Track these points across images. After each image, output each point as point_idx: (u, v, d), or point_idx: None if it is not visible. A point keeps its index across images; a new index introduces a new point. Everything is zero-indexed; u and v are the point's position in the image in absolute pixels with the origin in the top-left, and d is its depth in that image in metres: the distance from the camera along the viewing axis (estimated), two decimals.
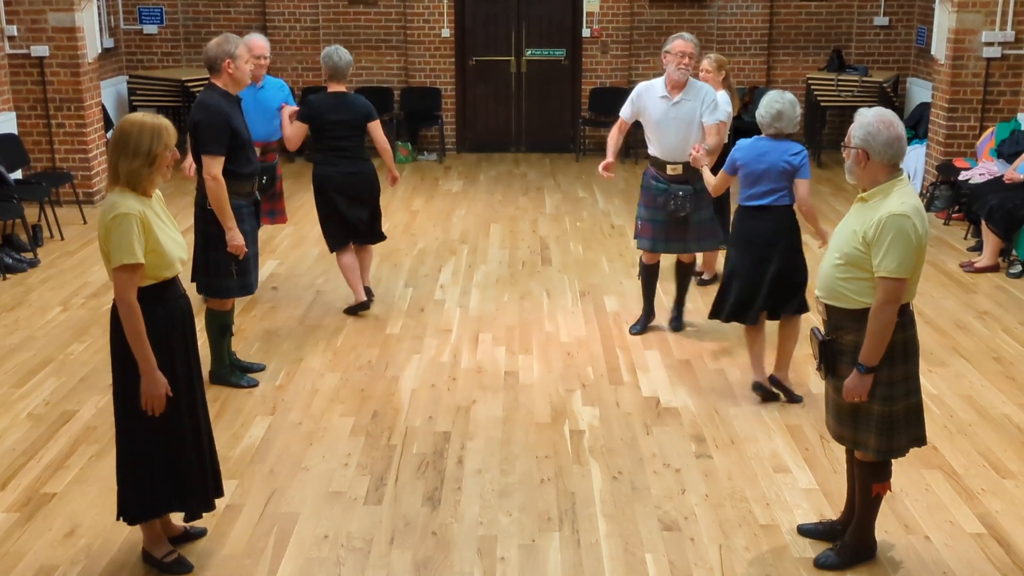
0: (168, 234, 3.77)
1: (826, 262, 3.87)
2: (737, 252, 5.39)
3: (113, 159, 3.70)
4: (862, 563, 4.00)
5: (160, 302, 3.76)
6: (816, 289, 3.95)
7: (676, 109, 6.07)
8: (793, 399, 5.42)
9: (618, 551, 4.12)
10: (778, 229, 5.26)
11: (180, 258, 3.82)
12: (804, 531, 4.23)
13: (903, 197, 3.67)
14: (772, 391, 5.43)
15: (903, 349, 3.76)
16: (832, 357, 3.83)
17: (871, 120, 3.71)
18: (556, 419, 5.33)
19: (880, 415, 3.77)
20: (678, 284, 6.62)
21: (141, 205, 3.68)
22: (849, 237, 3.77)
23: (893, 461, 3.95)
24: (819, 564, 4.01)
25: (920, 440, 3.91)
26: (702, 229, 6.28)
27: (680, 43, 6.00)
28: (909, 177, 10.57)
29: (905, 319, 3.76)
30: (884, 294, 3.64)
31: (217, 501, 4.45)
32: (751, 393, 5.51)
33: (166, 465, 3.88)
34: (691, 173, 6.09)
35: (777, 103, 5.19)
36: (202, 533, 4.21)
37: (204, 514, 4.10)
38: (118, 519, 3.97)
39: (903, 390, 3.79)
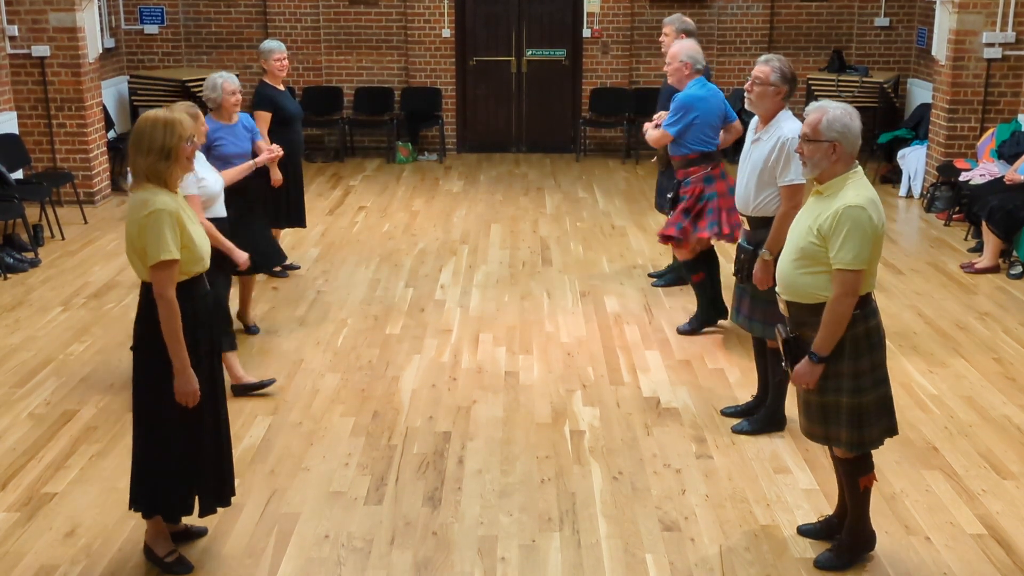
0: (197, 230, 3.81)
1: (784, 259, 3.87)
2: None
3: (132, 157, 3.75)
4: (864, 555, 4.02)
5: (189, 299, 3.79)
6: (777, 287, 3.95)
7: (754, 148, 5.01)
8: None
9: (618, 551, 4.12)
10: None
11: (208, 253, 3.87)
12: (804, 532, 4.23)
13: (858, 189, 3.69)
14: None
15: (867, 340, 3.77)
16: (797, 354, 3.84)
17: (841, 114, 3.71)
18: (556, 419, 5.33)
19: (849, 408, 3.79)
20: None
21: (173, 202, 3.71)
22: (804, 232, 3.76)
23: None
24: (819, 565, 4.02)
25: (892, 430, 3.93)
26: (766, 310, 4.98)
27: (758, 66, 4.97)
28: (910, 178, 10.59)
29: (867, 310, 3.77)
30: (841, 286, 3.65)
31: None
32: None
33: (186, 461, 3.88)
34: (758, 231, 4.99)
35: None
36: (203, 532, 4.21)
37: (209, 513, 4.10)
38: (130, 509, 3.98)
39: (871, 381, 3.80)
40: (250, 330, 6.48)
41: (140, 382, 3.85)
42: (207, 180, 5.21)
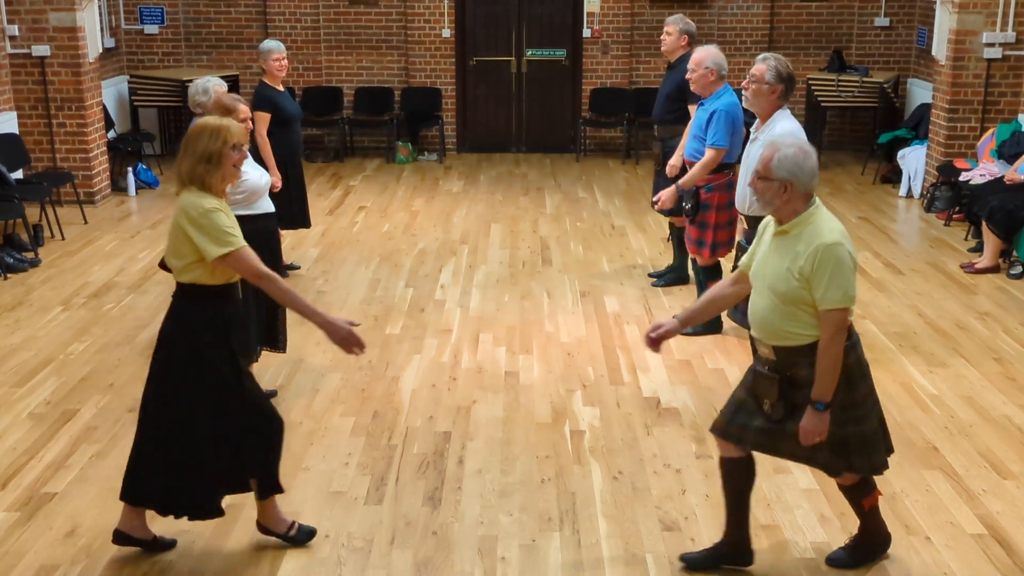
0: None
1: (760, 304, 3.69)
2: None
3: (178, 160, 3.81)
4: (879, 555, 4.04)
5: (228, 301, 3.85)
6: (754, 332, 3.77)
7: (751, 147, 5.14)
8: None
9: (618, 551, 4.12)
10: None
11: None
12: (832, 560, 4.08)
13: (828, 223, 3.59)
14: None
15: (859, 368, 3.70)
16: (791, 393, 3.69)
17: (795, 152, 3.57)
18: (556, 419, 5.33)
19: (856, 437, 3.71)
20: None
21: (213, 200, 3.76)
22: (782, 275, 3.60)
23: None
24: (831, 563, 4.01)
25: (890, 449, 3.90)
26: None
27: (755, 64, 5.14)
28: (910, 178, 10.60)
29: (854, 339, 3.70)
30: (833, 327, 3.54)
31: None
32: None
33: (217, 459, 3.90)
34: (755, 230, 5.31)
35: None
36: (171, 545, 4.15)
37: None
38: (137, 505, 4.01)
39: (870, 405, 3.75)
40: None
41: (171, 377, 3.85)
42: (249, 175, 5.07)
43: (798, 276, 3.55)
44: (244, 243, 3.75)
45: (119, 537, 4.07)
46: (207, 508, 3.99)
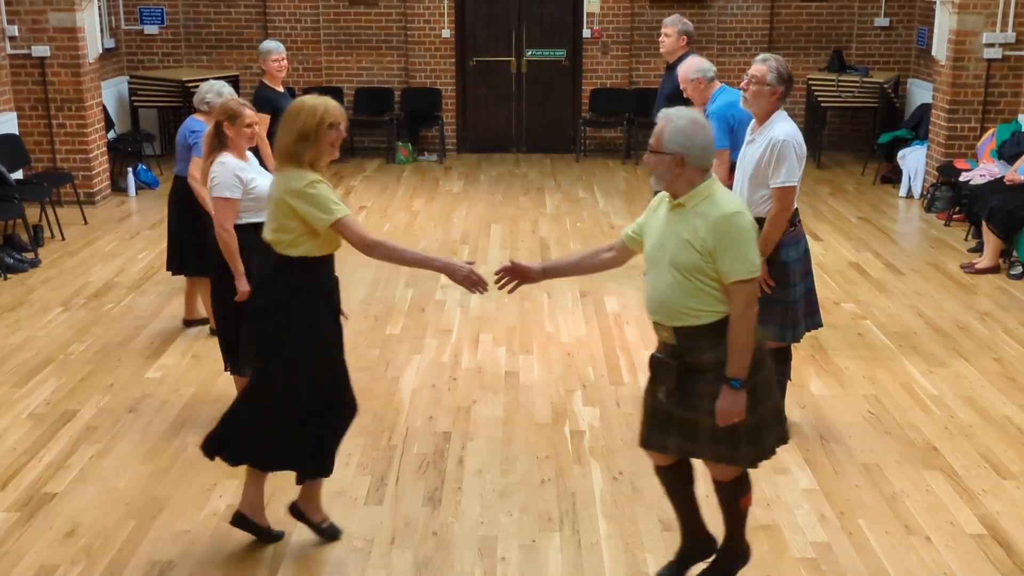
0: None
1: (661, 283, 3.53)
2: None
3: (277, 137, 3.88)
4: (739, 569, 3.84)
5: (321, 274, 3.93)
6: (654, 314, 3.61)
7: (748, 149, 4.95)
8: None
9: (619, 551, 4.12)
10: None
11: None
12: None
13: (726, 196, 3.49)
14: None
15: (759, 351, 3.53)
16: (689, 381, 3.53)
17: (686, 124, 3.46)
18: (556, 419, 5.33)
19: (748, 424, 3.51)
20: None
21: (312, 175, 3.81)
22: (683, 247, 3.45)
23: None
24: None
25: (784, 438, 3.69)
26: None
27: (754, 65, 4.99)
28: (910, 178, 10.58)
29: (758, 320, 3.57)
30: (743, 298, 3.40)
31: (219, 501, 4.47)
32: None
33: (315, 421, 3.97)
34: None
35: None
36: (279, 536, 4.21)
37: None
38: (235, 463, 4.11)
39: (765, 391, 3.56)
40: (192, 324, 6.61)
41: (283, 347, 3.91)
42: (258, 182, 4.97)
43: (699, 248, 3.41)
44: (349, 211, 3.83)
45: (238, 519, 4.15)
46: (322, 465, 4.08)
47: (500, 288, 3.89)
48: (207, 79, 5.97)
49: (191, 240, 6.21)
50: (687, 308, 3.47)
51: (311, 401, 3.94)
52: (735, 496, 3.73)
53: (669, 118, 3.50)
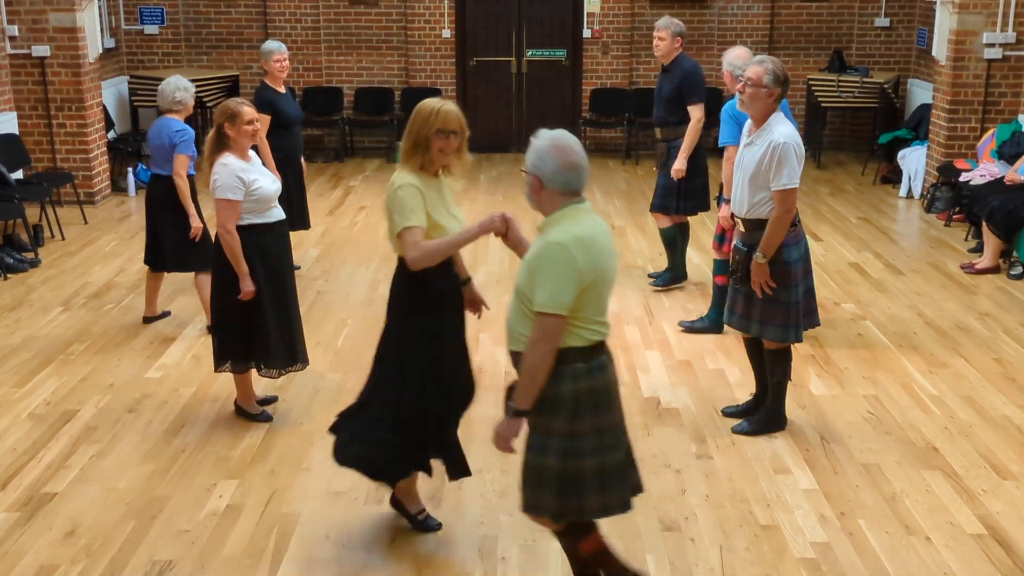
0: (449, 212, 4.03)
1: (511, 304, 3.44)
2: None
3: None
4: None
5: (447, 278, 4.04)
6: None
7: (747, 151, 4.93)
8: None
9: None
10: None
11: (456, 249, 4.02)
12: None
13: (569, 225, 3.29)
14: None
15: (591, 398, 3.29)
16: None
17: (544, 145, 3.34)
18: None
19: (558, 472, 3.31)
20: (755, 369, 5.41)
21: (419, 182, 3.90)
22: (521, 270, 3.36)
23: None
24: None
25: (624, 505, 3.44)
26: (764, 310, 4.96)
27: (751, 67, 4.91)
28: (910, 178, 10.55)
29: (594, 363, 3.30)
30: (537, 330, 3.21)
31: (219, 501, 4.47)
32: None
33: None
34: (753, 233, 4.91)
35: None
36: (437, 526, 4.29)
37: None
38: (375, 479, 4.19)
39: (592, 445, 3.31)
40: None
41: (389, 351, 4.07)
42: (261, 183, 4.98)
43: (527, 271, 3.31)
44: (415, 224, 3.86)
45: (394, 502, 4.30)
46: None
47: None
48: (207, 79, 6.02)
49: (171, 239, 6.39)
50: (518, 333, 3.35)
51: (425, 401, 4.01)
52: (573, 542, 3.56)
53: (535, 137, 3.41)
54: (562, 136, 3.39)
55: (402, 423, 3.99)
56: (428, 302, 3.99)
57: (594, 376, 3.31)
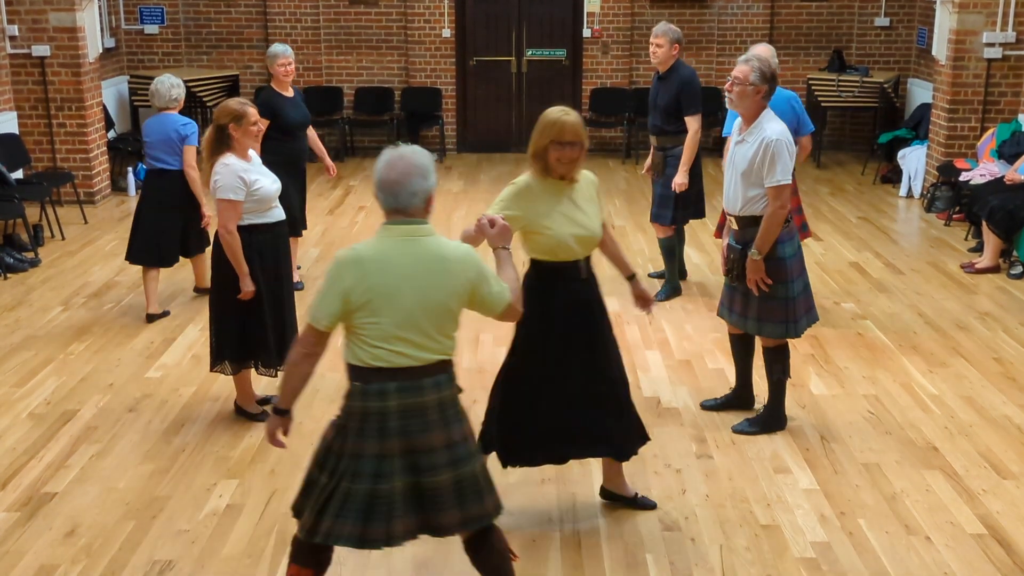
0: (566, 216, 4.07)
1: None
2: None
3: None
4: None
5: (559, 280, 4.08)
6: None
7: (738, 149, 4.92)
8: None
9: (619, 551, 4.12)
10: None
11: (574, 237, 4.07)
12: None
13: (365, 242, 3.35)
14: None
15: (360, 422, 3.24)
16: None
17: (381, 159, 3.38)
18: None
19: (324, 486, 3.26)
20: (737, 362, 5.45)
21: (535, 183, 4.09)
22: None
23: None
24: None
25: (381, 542, 3.31)
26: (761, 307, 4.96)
27: (737, 65, 4.85)
28: (910, 178, 10.54)
29: (368, 388, 3.24)
30: (300, 333, 3.38)
31: (219, 501, 4.47)
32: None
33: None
34: (746, 231, 4.92)
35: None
36: (652, 505, 4.45)
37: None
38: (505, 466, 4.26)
39: (350, 468, 3.21)
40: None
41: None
42: (262, 183, 4.97)
43: None
44: (501, 208, 4.02)
45: (605, 493, 4.43)
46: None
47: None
48: (207, 79, 6.06)
49: (179, 230, 6.69)
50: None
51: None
52: (292, 552, 3.48)
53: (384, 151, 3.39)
54: (392, 153, 3.35)
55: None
56: (539, 305, 4.06)
57: (367, 399, 3.23)
